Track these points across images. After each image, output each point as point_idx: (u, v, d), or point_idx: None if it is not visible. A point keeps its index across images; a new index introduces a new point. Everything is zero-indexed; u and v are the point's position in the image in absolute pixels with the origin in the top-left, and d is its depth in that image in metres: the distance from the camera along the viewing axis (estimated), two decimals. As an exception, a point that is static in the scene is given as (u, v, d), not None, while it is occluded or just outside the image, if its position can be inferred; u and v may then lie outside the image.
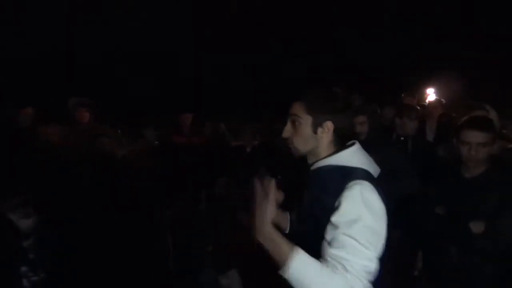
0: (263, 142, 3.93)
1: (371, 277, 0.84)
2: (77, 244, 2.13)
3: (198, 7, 8.49)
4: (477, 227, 1.40)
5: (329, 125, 1.00)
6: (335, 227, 0.87)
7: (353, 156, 0.99)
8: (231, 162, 3.44)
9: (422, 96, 5.88)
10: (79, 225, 2.13)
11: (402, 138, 2.45)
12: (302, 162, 1.11)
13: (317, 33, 9.04)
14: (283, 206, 1.39)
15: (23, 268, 1.04)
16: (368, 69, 8.95)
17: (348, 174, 0.94)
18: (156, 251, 2.53)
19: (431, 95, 7.63)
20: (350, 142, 1.05)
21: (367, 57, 9.08)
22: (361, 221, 0.85)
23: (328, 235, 0.88)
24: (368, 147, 1.08)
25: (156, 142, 3.53)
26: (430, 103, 4.07)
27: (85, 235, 2.22)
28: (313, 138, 1.01)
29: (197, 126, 3.83)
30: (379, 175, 1.02)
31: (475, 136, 1.44)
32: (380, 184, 0.95)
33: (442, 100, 3.93)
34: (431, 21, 8.38)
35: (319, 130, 1.00)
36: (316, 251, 0.92)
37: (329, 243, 0.87)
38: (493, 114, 2.24)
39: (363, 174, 0.94)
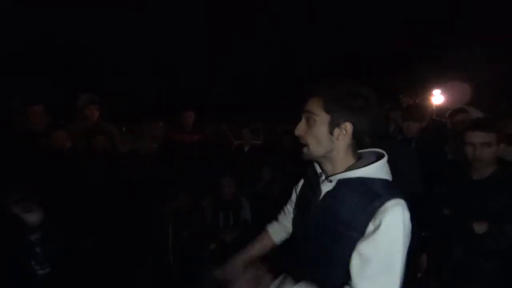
0: (266, 141, 3.95)
1: None
2: (80, 239, 2.16)
3: (202, 12, 8.49)
4: (480, 227, 1.41)
5: (348, 127, 0.89)
6: (368, 253, 0.82)
7: (381, 169, 0.91)
8: (234, 161, 3.47)
9: (427, 96, 5.84)
10: (82, 220, 2.16)
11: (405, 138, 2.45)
12: (307, 164, 1.04)
13: (322, 33, 8.99)
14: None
15: (29, 262, 1.06)
16: (375, 69, 8.90)
17: (377, 189, 0.87)
18: (157, 246, 2.55)
19: (437, 96, 7.58)
20: (372, 150, 0.97)
21: (374, 57, 9.02)
22: (396, 247, 0.82)
23: (358, 260, 0.83)
24: None
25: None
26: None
27: (87, 230, 2.25)
28: (328, 140, 0.90)
29: (200, 123, 3.86)
30: None
31: (478, 137, 1.47)
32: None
33: (433, 104, 3.96)
34: (439, 23, 8.30)
35: (336, 131, 0.89)
36: (318, 259, 0.91)
37: (359, 270, 0.82)
38: (476, 116, 2.26)
39: (393, 188, 0.89)
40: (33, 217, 1.13)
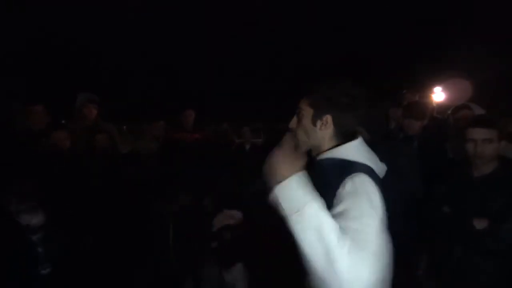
0: (267, 140, 3.95)
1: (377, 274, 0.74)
2: (81, 239, 2.17)
3: (202, 12, 8.47)
4: (480, 224, 1.41)
5: (328, 119, 1.00)
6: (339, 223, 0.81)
7: (354, 150, 0.98)
8: (235, 159, 3.47)
9: (428, 93, 5.83)
10: (82, 220, 2.16)
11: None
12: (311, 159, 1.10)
13: (322, 33, 8.98)
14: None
15: (32, 262, 1.06)
16: (375, 69, 8.89)
17: (347, 167, 0.92)
18: (157, 246, 2.55)
19: (438, 93, 7.57)
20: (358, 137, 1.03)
21: (374, 57, 9.01)
22: (364, 217, 0.80)
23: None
24: (374, 148, 1.06)
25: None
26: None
27: (87, 230, 2.26)
28: (313, 131, 1.02)
29: (200, 123, 3.86)
30: (385, 177, 1.01)
31: (479, 133, 1.47)
32: (385, 184, 0.94)
33: (433, 102, 3.94)
34: (439, 23, 8.28)
35: (318, 123, 1.01)
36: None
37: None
38: (479, 112, 2.25)
39: (363, 168, 0.92)
40: (35, 218, 1.13)
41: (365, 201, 0.83)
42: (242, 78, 10.07)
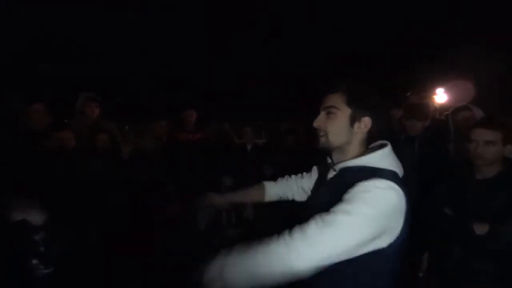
0: (269, 140, 3.95)
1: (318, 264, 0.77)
2: (83, 238, 2.17)
3: (202, 12, 8.47)
4: (480, 229, 1.39)
5: (366, 121, 0.95)
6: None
7: (384, 159, 0.93)
8: (236, 160, 3.46)
9: (430, 95, 5.83)
10: (84, 220, 2.16)
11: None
12: (312, 159, 1.08)
13: (322, 33, 8.98)
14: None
15: (34, 261, 1.06)
16: (375, 69, 8.89)
17: (375, 174, 0.86)
18: (157, 245, 2.55)
19: (440, 95, 7.56)
20: (380, 142, 1.00)
21: (374, 57, 9.01)
22: (358, 213, 0.78)
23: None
24: None
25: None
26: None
27: (89, 230, 2.26)
28: (348, 132, 0.96)
29: (201, 123, 3.85)
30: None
31: (482, 134, 1.43)
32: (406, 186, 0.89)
33: (435, 103, 3.93)
34: (440, 23, 8.29)
35: (356, 124, 0.95)
36: None
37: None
38: (478, 114, 2.24)
39: (389, 174, 0.87)
40: (36, 217, 1.13)
41: (366, 201, 0.79)
42: (242, 78, 10.07)
